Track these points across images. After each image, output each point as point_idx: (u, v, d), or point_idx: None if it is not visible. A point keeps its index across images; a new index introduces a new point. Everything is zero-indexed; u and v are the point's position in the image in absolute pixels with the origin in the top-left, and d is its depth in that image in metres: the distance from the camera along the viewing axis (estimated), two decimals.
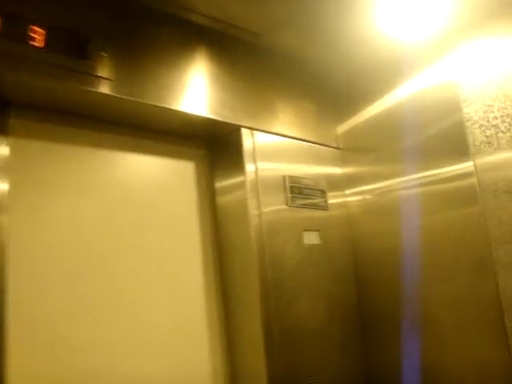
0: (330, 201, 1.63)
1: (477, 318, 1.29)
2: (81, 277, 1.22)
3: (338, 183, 1.68)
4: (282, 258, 1.42)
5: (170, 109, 1.29)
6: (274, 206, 1.44)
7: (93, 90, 1.16)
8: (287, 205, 1.48)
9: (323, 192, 1.61)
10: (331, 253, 1.57)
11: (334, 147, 1.71)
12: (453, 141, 1.39)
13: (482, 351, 1.28)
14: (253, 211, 1.37)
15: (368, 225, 1.60)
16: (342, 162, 1.71)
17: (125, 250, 1.30)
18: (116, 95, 1.20)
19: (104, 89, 1.18)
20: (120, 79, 1.20)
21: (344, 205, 1.68)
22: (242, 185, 1.40)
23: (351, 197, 1.67)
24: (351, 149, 1.69)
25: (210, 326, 1.41)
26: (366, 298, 1.59)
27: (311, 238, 1.52)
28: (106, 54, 1.19)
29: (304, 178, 1.56)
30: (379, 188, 1.57)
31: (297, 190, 1.52)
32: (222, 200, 1.49)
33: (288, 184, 1.50)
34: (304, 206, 1.53)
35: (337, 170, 1.70)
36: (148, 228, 1.36)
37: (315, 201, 1.57)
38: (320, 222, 1.57)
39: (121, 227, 1.30)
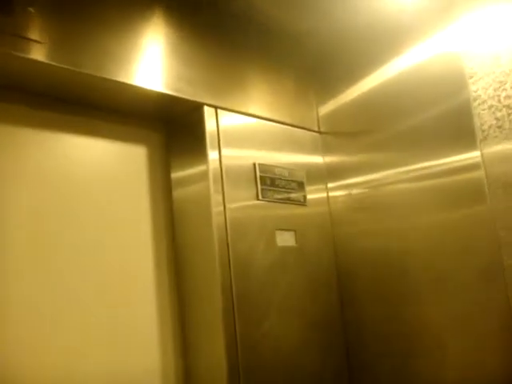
0: (309, 195, 1.62)
1: (484, 338, 1.26)
2: (12, 273, 1.19)
3: (318, 174, 1.67)
4: (249, 263, 1.39)
5: (116, 81, 1.26)
6: (241, 201, 1.41)
7: (19, 54, 1.11)
8: (257, 199, 1.46)
9: (301, 184, 1.60)
10: (309, 257, 1.56)
11: (314, 131, 1.70)
12: (456, 124, 1.36)
13: (494, 378, 1.24)
14: (216, 207, 1.34)
15: (354, 225, 1.59)
16: (324, 148, 1.70)
17: (58, 247, 1.26)
18: (48, 62, 1.15)
19: (33, 54, 1.13)
20: (54, 43, 1.15)
21: (326, 200, 1.67)
22: (203, 175, 1.37)
23: (334, 191, 1.66)
24: (335, 133, 1.68)
25: (164, 355, 1.38)
26: (351, 313, 1.57)
27: (285, 239, 1.50)
28: (34, 11, 1.14)
29: (278, 167, 1.54)
30: (368, 181, 1.56)
31: (269, 181, 1.50)
32: (179, 193, 1.46)
33: (259, 174, 1.48)
34: (278, 201, 1.51)
35: (317, 159, 1.69)
36: (87, 224, 1.32)
37: (291, 195, 1.56)
38: (296, 221, 1.55)
39: (53, 221, 1.27)
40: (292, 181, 1.57)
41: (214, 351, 1.29)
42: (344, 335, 1.56)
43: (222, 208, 1.36)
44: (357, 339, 1.53)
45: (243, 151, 1.47)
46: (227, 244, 1.35)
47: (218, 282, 1.30)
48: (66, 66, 1.17)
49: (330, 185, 1.68)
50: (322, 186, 1.67)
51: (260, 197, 1.46)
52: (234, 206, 1.38)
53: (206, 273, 1.34)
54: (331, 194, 1.67)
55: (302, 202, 1.59)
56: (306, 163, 1.64)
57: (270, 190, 1.49)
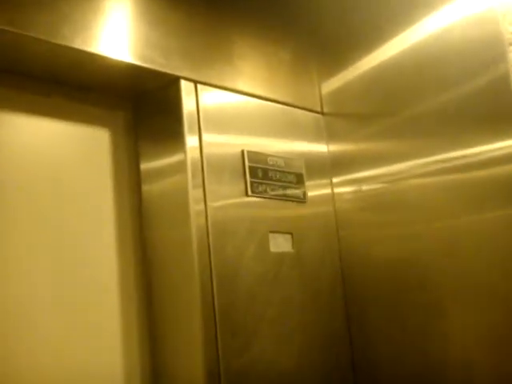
0: (310, 191, 1.62)
1: None
2: None
3: (321, 166, 1.68)
4: (236, 273, 1.38)
5: (72, 48, 1.24)
6: (226, 198, 1.41)
7: None
8: (246, 195, 1.45)
9: (300, 178, 1.60)
10: (309, 266, 1.56)
11: (316, 112, 1.71)
12: (492, 104, 1.35)
13: None
14: (195, 205, 1.34)
15: (364, 229, 1.59)
16: (328, 134, 1.70)
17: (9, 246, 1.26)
18: None
19: None
20: None
21: (330, 198, 1.67)
22: (179, 166, 1.38)
23: (341, 187, 1.67)
24: (341, 115, 1.69)
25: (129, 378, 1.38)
26: (359, 333, 1.57)
27: (280, 244, 1.50)
28: None
29: (272, 155, 1.54)
30: (382, 175, 1.56)
31: (261, 173, 1.50)
32: (149, 189, 1.46)
33: (248, 164, 1.47)
34: (271, 198, 1.51)
35: (320, 147, 1.70)
36: (37, 223, 1.31)
37: (288, 190, 1.56)
38: (294, 222, 1.55)
39: None
40: (289, 173, 1.57)
41: (190, 378, 1.30)
42: (351, 359, 1.58)
43: (202, 206, 1.36)
44: (367, 363, 1.55)
45: (229, 136, 1.47)
46: (209, 250, 1.34)
47: (197, 296, 1.31)
48: (9, 28, 1.16)
49: (335, 179, 1.68)
50: (325, 181, 1.68)
51: (249, 192, 1.46)
52: (217, 203, 1.39)
53: (182, 285, 1.35)
54: (337, 190, 1.67)
55: (301, 200, 1.59)
56: (307, 152, 1.65)
57: (261, 183, 1.49)
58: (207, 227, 1.36)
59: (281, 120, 1.61)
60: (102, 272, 1.40)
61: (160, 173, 1.44)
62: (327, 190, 1.68)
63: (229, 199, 1.42)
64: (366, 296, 1.58)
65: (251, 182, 1.47)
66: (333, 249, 1.64)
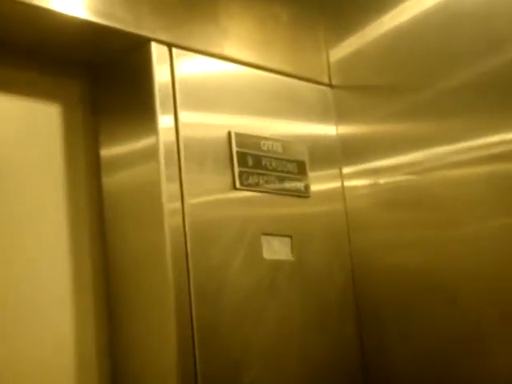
0: (315, 185, 1.60)
1: None
2: None
3: (329, 153, 1.67)
4: (221, 286, 1.37)
5: (17, 2, 1.23)
6: (209, 193, 1.41)
7: None
8: (234, 188, 1.44)
9: (301, 167, 1.59)
10: (314, 278, 1.56)
11: (322, 84, 1.70)
12: None
13: None
14: (170, 202, 1.33)
15: (382, 231, 1.59)
16: (338, 113, 1.69)
17: None
18: None
19: None
20: None
21: (339, 193, 1.67)
22: (150, 153, 1.37)
23: (353, 179, 1.66)
24: (354, 89, 1.69)
25: None
26: (375, 359, 1.58)
27: (277, 250, 1.50)
28: None
29: (266, 139, 1.53)
30: (404, 165, 1.56)
31: (252, 160, 1.49)
32: (112, 182, 1.46)
33: (236, 149, 1.46)
34: (265, 191, 1.50)
35: (328, 129, 1.69)
36: None
37: (286, 183, 1.55)
38: (294, 222, 1.55)
39: None
40: (288, 161, 1.56)
41: None
42: None
43: (178, 204, 1.35)
44: None
45: (213, 115, 1.46)
46: (186, 259, 1.33)
47: (171, 317, 1.30)
48: None
49: (345, 169, 1.67)
50: (333, 171, 1.68)
51: (238, 185, 1.44)
52: (197, 200, 1.38)
53: (152, 304, 1.34)
54: (348, 183, 1.67)
55: (303, 194, 1.58)
56: (310, 134, 1.65)
57: (253, 174, 1.48)
58: (184, 230, 1.35)
59: (278, 94, 1.60)
60: (50, 286, 1.39)
61: (125, 161, 1.43)
62: (336, 183, 1.68)
63: (212, 194, 1.41)
64: (383, 313, 1.58)
65: (240, 172, 1.45)
66: (342, 256, 1.64)
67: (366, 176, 1.64)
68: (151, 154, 1.37)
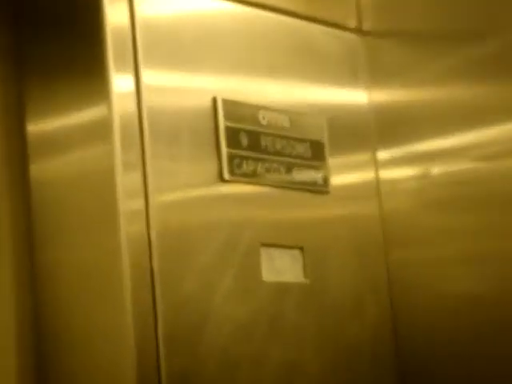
0: (337, 176, 1.54)
1: None
2: None
3: (357, 129, 1.62)
4: (201, 324, 1.29)
5: None
6: (185, 186, 1.34)
7: None
8: (221, 179, 1.37)
9: (318, 149, 1.52)
10: (335, 310, 1.50)
11: (349, 30, 1.65)
12: None
13: None
14: (128, 201, 1.26)
15: (433, 243, 1.52)
16: (371, 71, 1.64)
17: None
18: None
19: None
20: None
21: (372, 187, 1.61)
22: (98, 129, 1.31)
23: (391, 168, 1.61)
24: (393, 37, 1.64)
25: None
26: None
27: (282, 268, 1.44)
28: None
29: (267, 108, 1.46)
30: (467, 147, 1.50)
31: (247, 139, 1.42)
32: (43, 170, 1.40)
33: (225, 123, 1.39)
34: (266, 184, 1.44)
35: (356, 95, 1.65)
36: None
37: (296, 172, 1.48)
38: (307, 228, 1.49)
39: None
40: (298, 140, 1.50)
41: None
42: None
43: (141, 202, 1.27)
44: None
45: (191, 74, 1.40)
46: (152, 282, 1.25)
47: (130, 370, 1.22)
48: None
49: (381, 154, 1.62)
50: (364, 156, 1.63)
51: (226, 174, 1.37)
52: (167, 196, 1.31)
53: (102, 341, 1.27)
54: (384, 173, 1.62)
55: (321, 189, 1.51)
56: (331, 103, 1.61)
57: (248, 159, 1.42)
58: (149, 240, 1.26)
59: (285, 44, 1.54)
60: None
61: (62, 141, 1.37)
62: (367, 174, 1.62)
63: (189, 188, 1.35)
64: (436, 364, 1.52)
65: (230, 157, 1.39)
66: (376, 279, 1.58)
67: (410, 163, 1.59)
68: (101, 130, 1.30)
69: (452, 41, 1.55)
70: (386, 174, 1.60)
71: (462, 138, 1.52)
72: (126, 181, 1.25)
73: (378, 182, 1.61)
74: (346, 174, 1.58)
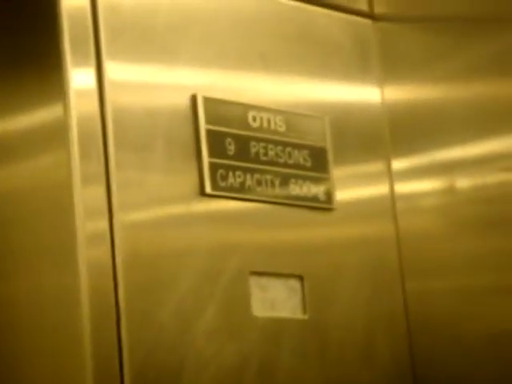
0: (343, 190, 1.53)
1: None
2: None
3: (368, 134, 1.62)
4: (176, 371, 1.26)
5: None
6: (157, 203, 1.33)
7: None
8: (202, 193, 1.36)
9: (320, 157, 1.52)
10: (341, 354, 1.47)
11: (360, 14, 1.65)
12: None
13: None
14: (89, 220, 1.24)
15: (459, 272, 1.52)
16: (385, 64, 1.64)
17: None
18: None
19: None
20: None
21: (386, 203, 1.61)
22: (53, 134, 1.29)
23: (409, 180, 1.61)
24: (411, 23, 1.65)
25: None
26: None
27: (277, 302, 1.42)
28: None
29: (259, 108, 1.46)
30: (501, 155, 1.49)
31: (234, 145, 1.42)
32: None
33: (205, 126, 1.39)
34: (257, 200, 1.43)
35: (367, 92, 1.65)
36: None
37: (294, 186, 1.48)
38: (307, 253, 1.47)
39: None
40: (297, 147, 1.49)
41: None
42: None
43: (104, 222, 1.25)
44: None
45: (166, 66, 1.39)
46: (117, 319, 1.23)
47: None
48: None
49: (397, 163, 1.62)
50: (376, 166, 1.63)
51: (208, 188, 1.36)
52: (137, 215, 1.30)
53: None
54: (401, 186, 1.61)
55: (323, 205, 1.51)
56: (336, 102, 1.61)
57: (235, 169, 1.41)
58: (114, 269, 1.25)
59: (282, 31, 1.54)
60: None
61: (11, 148, 1.35)
62: (380, 187, 1.61)
63: (164, 204, 1.34)
64: None
65: (213, 166, 1.38)
66: (391, 316, 1.56)
67: (431, 175, 1.58)
68: (55, 135, 1.28)
69: (481, 28, 1.54)
70: (403, 187, 1.59)
71: (492, 146, 1.51)
72: (85, 196, 1.23)
73: (393, 197, 1.60)
74: (354, 187, 1.57)
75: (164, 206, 1.32)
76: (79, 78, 1.27)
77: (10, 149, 1.34)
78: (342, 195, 1.52)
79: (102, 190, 1.25)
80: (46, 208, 1.27)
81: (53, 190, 1.27)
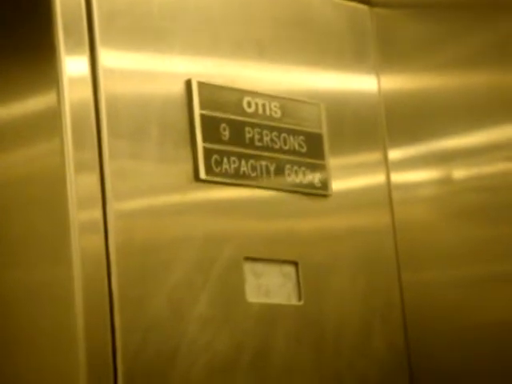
0: (339, 178, 1.55)
1: None
2: None
3: (364, 122, 1.64)
4: (168, 353, 1.28)
5: None
6: (151, 191, 1.34)
7: None
8: (197, 179, 1.37)
9: (315, 144, 1.53)
10: (336, 340, 1.49)
11: (356, 0, 1.68)
12: None
13: None
14: (83, 210, 1.25)
15: (458, 263, 1.53)
16: (382, 52, 1.66)
17: None
18: None
19: None
20: None
21: (382, 193, 1.63)
22: (45, 122, 1.31)
23: (406, 170, 1.63)
24: (410, 9, 1.66)
25: None
26: None
27: (271, 288, 1.44)
28: None
29: (254, 93, 1.47)
30: (500, 144, 1.49)
31: (229, 130, 1.43)
32: None
33: (199, 111, 1.40)
34: (252, 186, 1.45)
35: (363, 80, 1.67)
36: None
37: (289, 172, 1.49)
38: (302, 240, 1.49)
39: None
40: (292, 133, 1.51)
41: None
42: None
43: (98, 210, 1.27)
44: None
45: (158, 53, 1.40)
46: (111, 304, 1.24)
47: None
48: None
49: (394, 152, 1.64)
50: (372, 155, 1.64)
51: (203, 174, 1.37)
52: (131, 203, 1.31)
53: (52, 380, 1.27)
54: (398, 176, 1.63)
55: (319, 192, 1.52)
56: (332, 90, 1.63)
57: (230, 154, 1.42)
58: (108, 257, 1.26)
59: (276, 16, 1.56)
60: None
61: (2, 136, 1.36)
62: (377, 176, 1.63)
63: (157, 192, 1.35)
64: None
65: (207, 152, 1.39)
66: (389, 304, 1.58)
67: (428, 165, 1.59)
68: (49, 123, 1.29)
69: (480, 15, 1.53)
70: (400, 177, 1.60)
71: (490, 135, 1.51)
72: (79, 185, 1.24)
73: (389, 187, 1.61)
74: (350, 177, 1.58)
75: (158, 194, 1.34)
76: (72, 65, 1.29)
77: (3, 137, 1.35)
78: (338, 184, 1.53)
79: (95, 179, 1.26)
80: (39, 196, 1.29)
81: (46, 178, 1.28)
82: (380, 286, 1.57)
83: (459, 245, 1.52)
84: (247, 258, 1.39)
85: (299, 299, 1.45)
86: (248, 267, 1.40)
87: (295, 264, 1.44)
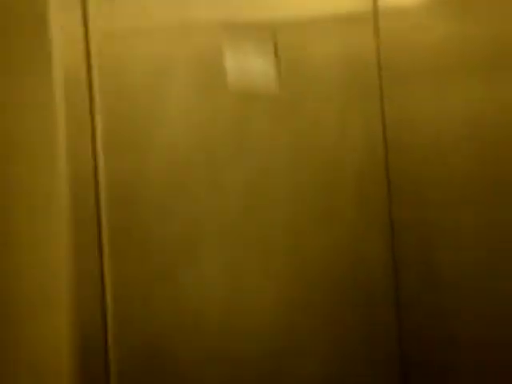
0: None
1: None
2: None
3: None
4: (145, 123, 1.29)
5: None
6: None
7: None
8: None
9: None
10: (315, 122, 1.59)
11: None
12: None
13: None
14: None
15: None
16: None
17: None
18: None
19: None
20: None
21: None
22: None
23: None
24: None
25: None
26: None
27: (251, 63, 1.48)
28: None
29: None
30: None
31: None
32: None
33: None
34: None
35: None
36: None
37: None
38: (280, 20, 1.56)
39: None
40: None
41: None
42: None
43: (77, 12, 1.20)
44: None
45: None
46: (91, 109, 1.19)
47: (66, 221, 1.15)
48: None
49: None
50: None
51: None
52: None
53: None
54: None
55: None
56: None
57: None
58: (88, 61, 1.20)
59: None
60: None
61: None
62: None
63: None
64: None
65: None
66: (367, 99, 1.67)
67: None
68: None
69: None
70: None
71: None
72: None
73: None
74: None
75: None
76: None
77: None
78: None
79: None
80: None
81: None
82: (361, 79, 1.65)
83: (441, 41, 1.60)
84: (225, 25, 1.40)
85: (278, 76, 1.48)
86: (226, 37, 1.40)
87: (273, 35, 1.48)
